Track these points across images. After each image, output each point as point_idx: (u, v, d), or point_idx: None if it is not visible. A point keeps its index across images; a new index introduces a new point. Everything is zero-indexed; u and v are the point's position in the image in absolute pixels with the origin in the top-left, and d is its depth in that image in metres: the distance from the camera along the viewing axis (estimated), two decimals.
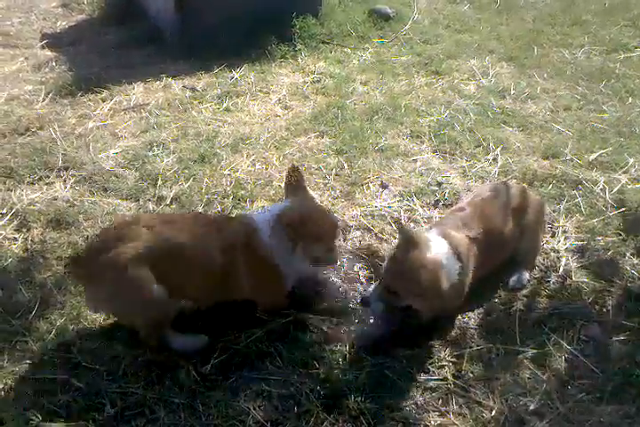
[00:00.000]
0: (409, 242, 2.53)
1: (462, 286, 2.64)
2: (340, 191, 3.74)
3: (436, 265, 2.49)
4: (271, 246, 2.68)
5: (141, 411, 2.41)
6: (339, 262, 3.05)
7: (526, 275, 3.02)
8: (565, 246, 3.24)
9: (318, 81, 5.19)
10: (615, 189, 3.66)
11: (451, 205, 3.52)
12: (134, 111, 4.65)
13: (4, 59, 5.60)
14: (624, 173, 3.86)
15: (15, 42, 5.99)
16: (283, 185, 3.00)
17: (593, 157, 4.01)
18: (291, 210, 2.67)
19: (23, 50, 5.81)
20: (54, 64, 5.43)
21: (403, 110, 4.64)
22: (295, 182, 2.81)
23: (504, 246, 2.92)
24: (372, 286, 2.80)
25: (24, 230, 3.38)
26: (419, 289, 2.48)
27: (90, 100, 4.79)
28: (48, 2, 7.16)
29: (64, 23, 6.58)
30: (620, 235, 3.30)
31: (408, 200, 3.65)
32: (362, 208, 3.59)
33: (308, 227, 2.61)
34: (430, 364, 2.60)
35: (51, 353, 2.65)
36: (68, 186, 3.73)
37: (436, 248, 2.57)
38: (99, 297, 2.59)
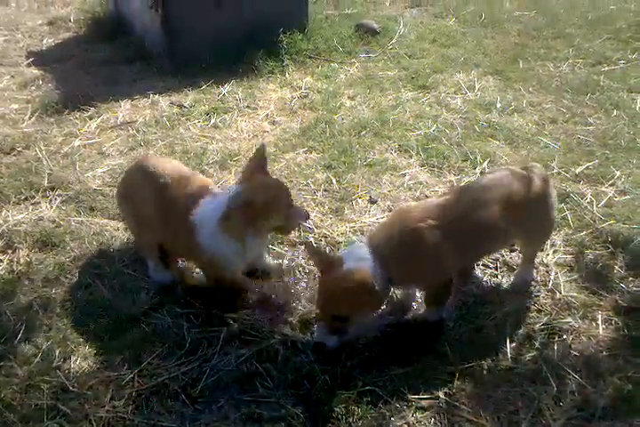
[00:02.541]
0: (325, 264, 2.57)
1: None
2: (329, 207, 3.73)
3: (364, 276, 2.46)
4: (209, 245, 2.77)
5: None
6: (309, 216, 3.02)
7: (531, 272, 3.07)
8: (554, 260, 3.24)
9: (306, 96, 5.20)
10: (602, 202, 3.68)
11: None
12: (121, 129, 4.63)
13: None
14: (611, 185, 3.88)
15: (1, 60, 5.96)
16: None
17: (580, 169, 4.03)
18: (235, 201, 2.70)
19: (9, 68, 5.78)
20: (40, 82, 5.41)
21: (390, 125, 4.66)
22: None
23: (492, 234, 2.79)
24: (315, 332, 2.76)
25: (9, 252, 3.33)
26: (359, 304, 2.50)
27: (76, 118, 4.77)
28: (34, 19, 7.16)
29: (50, 41, 6.57)
30: (609, 248, 3.30)
31: None
32: (351, 224, 3.58)
33: (256, 207, 2.65)
34: (421, 382, 2.58)
35: (36, 377, 2.59)
36: (54, 206, 3.69)
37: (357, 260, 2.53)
38: None
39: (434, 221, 2.59)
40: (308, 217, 2.97)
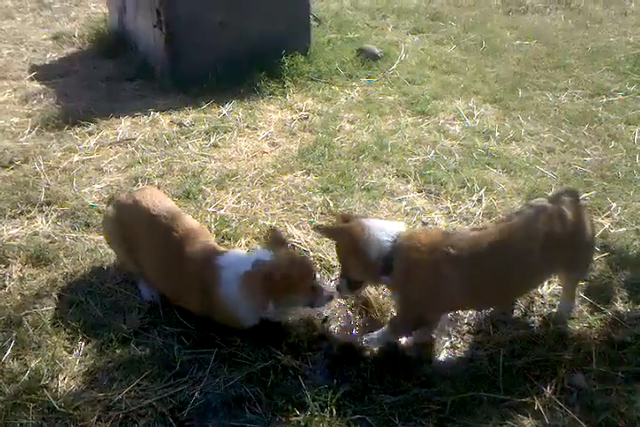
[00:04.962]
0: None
1: None
2: None
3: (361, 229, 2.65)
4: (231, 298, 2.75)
5: None
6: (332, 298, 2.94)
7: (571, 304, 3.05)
8: (549, 291, 3.23)
9: (306, 118, 5.23)
10: (598, 234, 3.68)
11: None
12: (120, 146, 4.64)
13: None
14: (607, 217, 3.89)
15: (4, 73, 6.00)
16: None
17: None
18: (259, 267, 2.69)
19: (12, 81, 5.82)
20: (42, 96, 5.44)
21: (389, 149, 4.68)
22: (274, 240, 2.88)
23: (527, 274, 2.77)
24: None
25: (2, 266, 3.33)
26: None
27: (76, 133, 4.79)
28: (38, 34, 7.22)
29: (54, 55, 6.62)
30: (604, 280, 3.30)
31: None
32: None
33: (277, 283, 2.63)
34: (413, 412, 2.54)
35: (23, 396, 2.56)
36: (50, 221, 3.69)
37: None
38: None
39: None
40: (331, 299, 2.90)
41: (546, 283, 3.27)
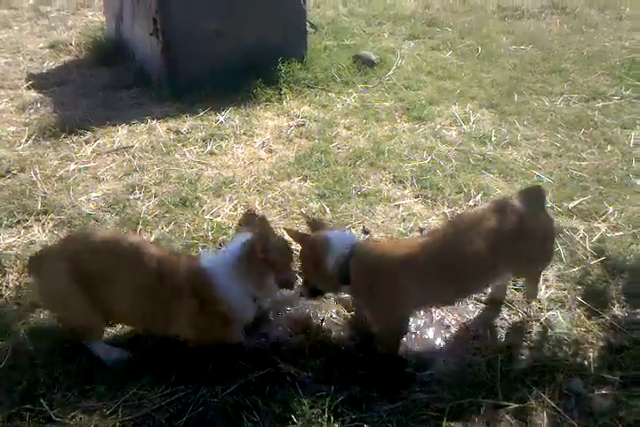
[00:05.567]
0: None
1: None
2: None
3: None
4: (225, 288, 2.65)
5: None
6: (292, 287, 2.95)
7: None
8: (547, 296, 3.23)
9: (302, 125, 5.24)
10: (595, 238, 3.69)
11: None
12: (117, 154, 4.65)
13: None
14: (603, 221, 3.89)
15: (1, 82, 6.01)
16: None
17: (573, 204, 4.05)
18: (254, 242, 2.65)
19: (8, 90, 5.83)
20: (39, 105, 5.44)
21: (386, 155, 4.69)
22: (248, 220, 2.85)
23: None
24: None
25: None
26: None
27: (73, 142, 4.79)
28: (36, 43, 7.24)
29: (51, 64, 6.63)
30: (600, 285, 3.30)
31: None
32: None
33: (273, 254, 2.65)
34: (411, 418, 2.53)
35: (20, 406, 2.55)
36: (47, 230, 3.68)
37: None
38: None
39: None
40: (291, 287, 2.90)
41: (543, 287, 3.27)
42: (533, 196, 2.85)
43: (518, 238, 2.71)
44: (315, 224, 2.90)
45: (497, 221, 2.68)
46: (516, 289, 3.30)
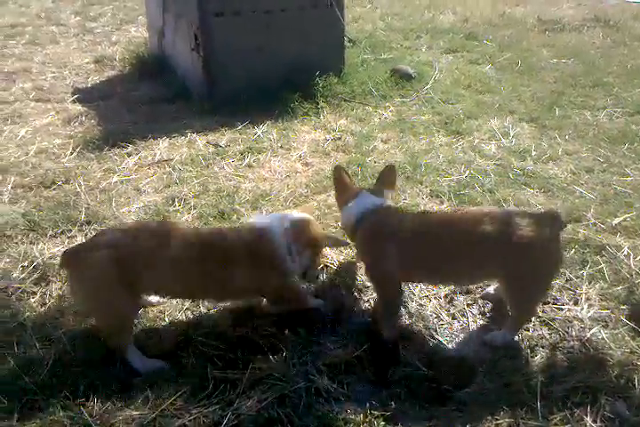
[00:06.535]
0: None
1: None
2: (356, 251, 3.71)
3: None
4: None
5: None
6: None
7: (506, 335, 2.98)
8: (589, 315, 3.15)
9: (339, 138, 5.27)
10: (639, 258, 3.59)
11: None
12: (158, 166, 4.74)
13: (37, 112, 5.82)
14: None
15: (48, 96, 6.22)
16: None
17: (616, 221, 3.94)
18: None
19: (55, 104, 6.03)
20: (84, 118, 5.61)
21: (423, 169, 4.67)
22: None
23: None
24: None
25: (42, 284, 3.39)
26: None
27: (116, 154, 4.91)
28: (81, 58, 7.49)
29: (96, 78, 6.84)
30: None
31: None
32: None
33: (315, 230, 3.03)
34: None
35: (60, 413, 2.59)
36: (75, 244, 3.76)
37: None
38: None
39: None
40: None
41: (585, 306, 3.19)
42: (548, 220, 2.81)
43: (513, 251, 2.74)
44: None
45: (500, 227, 2.73)
46: (557, 308, 3.23)
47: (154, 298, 3.20)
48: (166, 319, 3.16)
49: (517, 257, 2.75)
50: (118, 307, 2.75)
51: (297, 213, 3.12)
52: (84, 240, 3.73)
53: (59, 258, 3.49)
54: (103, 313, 2.82)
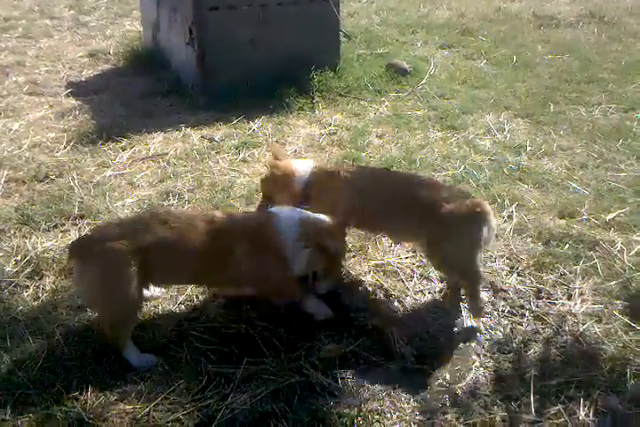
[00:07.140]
0: None
1: None
2: (353, 245, 3.71)
3: None
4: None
5: None
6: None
7: (467, 320, 3.09)
8: (582, 310, 3.16)
9: (334, 133, 5.26)
10: (633, 251, 3.60)
11: None
12: (152, 161, 4.72)
13: (30, 106, 5.78)
14: None
15: (41, 90, 6.19)
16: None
17: (610, 216, 3.95)
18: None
19: (48, 98, 5.99)
20: (77, 112, 5.58)
21: (418, 164, 4.66)
22: None
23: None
24: None
25: (36, 278, 3.38)
26: None
27: (110, 148, 4.89)
28: (75, 52, 7.44)
29: (90, 72, 6.80)
30: (639, 299, 3.21)
31: (421, 256, 3.61)
32: (373, 262, 3.56)
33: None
34: None
35: (54, 407, 2.58)
36: (83, 234, 3.75)
37: None
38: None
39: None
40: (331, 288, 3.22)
41: (579, 301, 3.20)
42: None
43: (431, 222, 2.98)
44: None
45: (423, 192, 3.06)
46: (551, 303, 3.24)
47: (156, 291, 3.19)
48: (160, 313, 3.15)
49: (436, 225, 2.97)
50: (127, 299, 2.74)
51: (318, 215, 3.09)
52: (77, 234, 3.73)
53: (61, 251, 3.53)
54: (111, 305, 2.79)
